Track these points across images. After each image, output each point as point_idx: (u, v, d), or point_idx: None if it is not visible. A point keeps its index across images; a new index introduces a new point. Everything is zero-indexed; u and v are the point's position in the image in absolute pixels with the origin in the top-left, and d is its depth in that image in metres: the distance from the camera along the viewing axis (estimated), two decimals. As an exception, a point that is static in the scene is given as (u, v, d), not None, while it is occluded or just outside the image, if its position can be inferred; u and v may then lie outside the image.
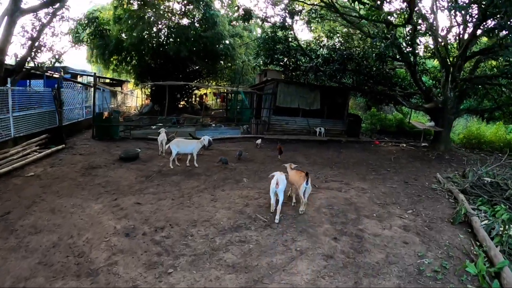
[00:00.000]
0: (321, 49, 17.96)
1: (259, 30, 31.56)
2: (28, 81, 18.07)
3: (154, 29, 23.25)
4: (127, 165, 9.75)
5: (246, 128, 17.75)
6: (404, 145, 16.75)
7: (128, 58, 24.67)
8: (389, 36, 13.06)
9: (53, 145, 12.36)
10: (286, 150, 13.25)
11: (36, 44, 12.42)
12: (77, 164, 9.86)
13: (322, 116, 17.64)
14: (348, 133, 17.87)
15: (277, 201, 6.00)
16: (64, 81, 17.82)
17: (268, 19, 17.72)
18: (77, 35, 14.41)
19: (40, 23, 12.44)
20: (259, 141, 13.70)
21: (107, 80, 29.98)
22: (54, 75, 19.14)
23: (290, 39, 17.69)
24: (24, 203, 6.76)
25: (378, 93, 18.58)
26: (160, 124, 16.25)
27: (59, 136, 12.99)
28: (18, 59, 12.18)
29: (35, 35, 12.24)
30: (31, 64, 13.03)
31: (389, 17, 14.07)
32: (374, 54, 14.75)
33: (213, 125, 17.80)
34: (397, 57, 15.73)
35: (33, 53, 12.48)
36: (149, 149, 12.33)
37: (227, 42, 22.81)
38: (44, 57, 13.63)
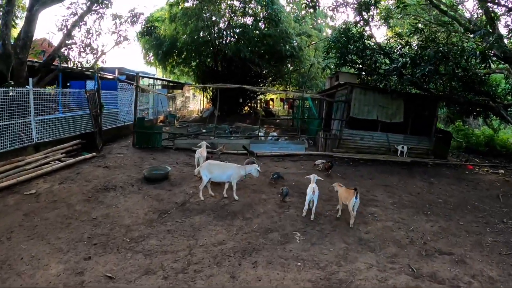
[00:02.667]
0: (404, 48, 14.41)
1: (329, 31, 28.42)
2: (84, 82, 17.17)
3: (215, 29, 21.32)
4: (147, 189, 7.44)
5: (310, 141, 14.76)
6: (502, 171, 12.68)
7: (187, 60, 23.11)
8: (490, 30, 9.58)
9: (86, 152, 10.76)
10: (359, 176, 10.23)
11: (70, 41, 10.80)
12: (91, 181, 7.83)
13: (404, 131, 13.99)
14: (435, 153, 13.99)
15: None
16: (120, 82, 16.70)
17: (339, 10, 14.66)
18: (123, 33, 12.64)
19: (74, 18, 10.82)
20: (319, 161, 10.62)
21: (165, 83, 28.80)
22: (106, 76, 18.13)
23: (365, 37, 14.46)
24: (-15, 242, 4.80)
25: (472, 103, 14.49)
26: (205, 132, 13.91)
27: (94, 142, 11.35)
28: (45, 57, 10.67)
29: (66, 30, 10.62)
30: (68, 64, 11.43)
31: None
32: (478, 52, 11.02)
33: (274, 135, 15.01)
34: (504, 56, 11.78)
35: (66, 51, 10.88)
36: (189, 165, 10.00)
37: (293, 42, 19.96)
38: (87, 57, 11.72)
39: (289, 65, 24.83)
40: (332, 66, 15.59)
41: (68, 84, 16.70)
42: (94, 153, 10.60)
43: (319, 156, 12.08)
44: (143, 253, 4.55)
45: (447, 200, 8.50)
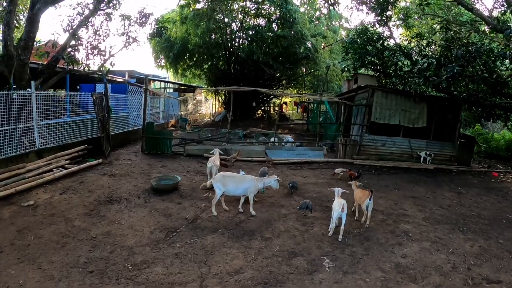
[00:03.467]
0: (426, 48, 13.57)
1: (343, 33, 27.64)
2: (94, 85, 16.83)
3: (228, 31, 20.71)
4: (155, 202, 6.77)
5: (328, 147, 13.97)
6: (529, 179, 11.79)
7: (199, 63, 22.53)
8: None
9: (93, 158, 10.25)
10: (384, 186, 9.47)
11: (75, 42, 10.24)
12: (94, 192, 7.21)
13: (427, 136, 13.14)
14: (458, 159, 13.08)
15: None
16: (131, 85, 16.26)
17: (359, 8, 13.94)
18: (132, 34, 12.07)
19: (81, 18, 10.26)
20: (338, 169, 9.86)
21: (177, 86, 28.17)
22: (116, 79, 17.67)
23: (384, 37, 13.77)
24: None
25: (496, 106, 13.64)
26: (217, 138, 13.23)
27: (101, 148, 10.79)
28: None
29: (71, 31, 10.05)
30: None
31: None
32: (507, 52, 10.21)
33: (290, 140, 14.18)
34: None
35: (72, 52, 10.33)
36: (200, 174, 9.33)
37: (308, 43, 19.17)
38: (95, 59, 11.15)
39: (303, 68, 24.07)
40: (347, 68, 14.85)
41: (78, 88, 16.33)
42: (100, 160, 10.05)
43: (339, 164, 11.33)
44: (146, 286, 3.84)
45: (481, 214, 7.68)
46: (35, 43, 10.07)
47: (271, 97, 27.40)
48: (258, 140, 14.23)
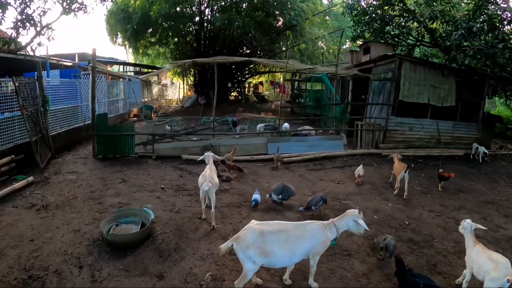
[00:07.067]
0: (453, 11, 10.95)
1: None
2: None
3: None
4: (111, 277, 3.62)
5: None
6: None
7: (164, 39, 18.95)
8: None
9: (22, 175, 7.08)
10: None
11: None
12: (4, 255, 3.99)
13: (452, 117, 10.93)
14: (480, 141, 10.93)
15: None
16: (83, 70, 13.38)
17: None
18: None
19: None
20: (361, 170, 6.79)
21: (138, 69, 24.33)
22: (63, 62, 14.04)
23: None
24: None
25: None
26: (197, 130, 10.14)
27: (34, 158, 7.38)
28: None
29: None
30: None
31: None
32: None
33: (286, 127, 11.32)
34: None
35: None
36: (183, 190, 6.26)
37: (298, 9, 15.97)
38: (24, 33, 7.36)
39: (284, 41, 20.94)
40: (360, 34, 12.25)
41: (22, 77, 12.84)
42: (32, 177, 6.71)
43: (366, 156, 9.09)
44: None
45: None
46: None
47: (246, 76, 24.35)
48: (270, 128, 11.30)
